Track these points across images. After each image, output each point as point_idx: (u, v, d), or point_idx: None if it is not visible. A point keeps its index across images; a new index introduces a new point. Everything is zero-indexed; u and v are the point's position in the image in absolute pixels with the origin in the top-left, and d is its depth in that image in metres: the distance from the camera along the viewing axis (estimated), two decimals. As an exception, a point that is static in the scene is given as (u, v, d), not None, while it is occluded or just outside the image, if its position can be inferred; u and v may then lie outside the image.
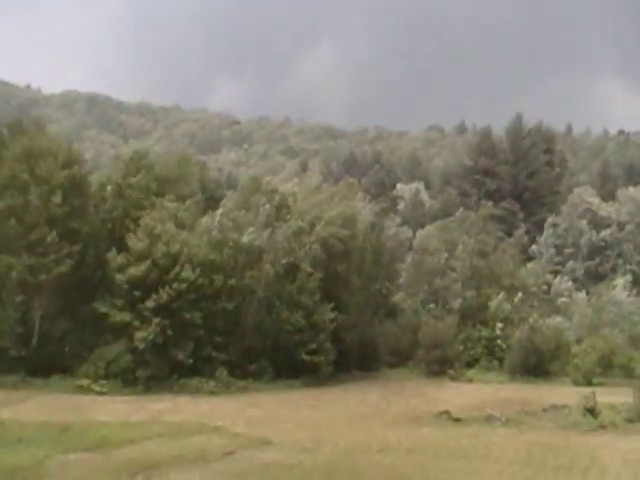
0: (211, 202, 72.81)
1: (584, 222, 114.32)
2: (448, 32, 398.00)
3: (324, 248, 68.82)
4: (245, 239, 65.76)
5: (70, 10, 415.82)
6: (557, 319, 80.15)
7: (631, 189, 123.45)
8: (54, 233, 60.39)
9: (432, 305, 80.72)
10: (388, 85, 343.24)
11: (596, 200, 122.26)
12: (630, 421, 49.96)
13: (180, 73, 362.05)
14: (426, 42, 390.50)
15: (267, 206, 68.23)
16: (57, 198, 61.31)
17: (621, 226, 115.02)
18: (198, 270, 62.22)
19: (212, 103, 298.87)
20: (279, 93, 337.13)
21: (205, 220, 67.07)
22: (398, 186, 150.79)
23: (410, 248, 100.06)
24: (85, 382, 57.83)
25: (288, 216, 69.13)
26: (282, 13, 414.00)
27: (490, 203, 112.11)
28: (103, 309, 60.85)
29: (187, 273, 61.56)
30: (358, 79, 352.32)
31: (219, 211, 67.96)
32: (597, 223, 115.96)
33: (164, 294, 60.29)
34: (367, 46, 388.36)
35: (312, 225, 69.73)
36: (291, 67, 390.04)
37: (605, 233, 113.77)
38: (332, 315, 66.94)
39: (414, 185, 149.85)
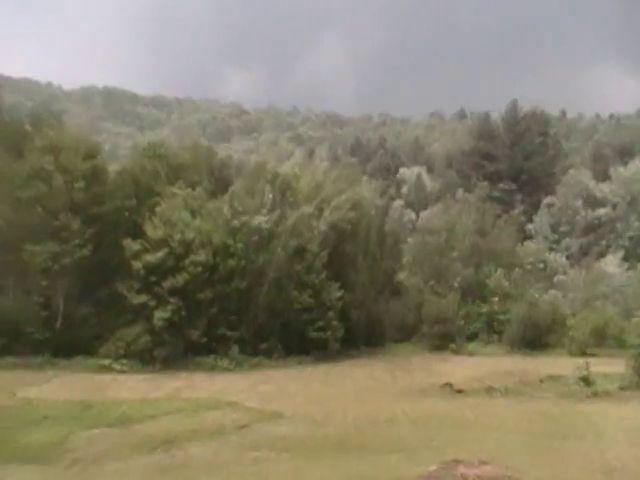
0: (221, 187, 72.61)
1: (579, 202, 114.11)
2: (449, 23, 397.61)
3: (332, 231, 68.83)
4: (255, 222, 65.68)
5: (87, 7, 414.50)
6: (553, 294, 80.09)
7: (623, 169, 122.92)
8: (78, 219, 60.99)
9: (433, 282, 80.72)
10: (392, 73, 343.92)
11: (591, 181, 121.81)
12: (623, 389, 50.09)
13: (193, 65, 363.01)
14: (428, 32, 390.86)
15: (270, 195, 68.00)
16: (80, 184, 61.65)
17: (614, 205, 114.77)
18: (211, 254, 62.46)
19: (225, 94, 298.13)
20: (288, 83, 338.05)
21: (216, 205, 66.87)
22: (401, 170, 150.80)
23: (413, 229, 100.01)
24: (106, 362, 58.05)
25: (291, 198, 68.84)
26: (291, 5, 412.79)
27: (486, 184, 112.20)
28: (123, 291, 61.03)
29: (201, 257, 61.74)
30: (363, 68, 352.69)
31: (226, 196, 67.89)
32: (591, 202, 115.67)
33: (180, 278, 60.56)
34: (372, 36, 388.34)
35: (320, 209, 69.69)
36: (299, 57, 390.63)
37: (599, 212, 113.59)
38: (339, 293, 66.99)
39: (416, 169, 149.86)
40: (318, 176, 76.04)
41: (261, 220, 65.72)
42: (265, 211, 66.91)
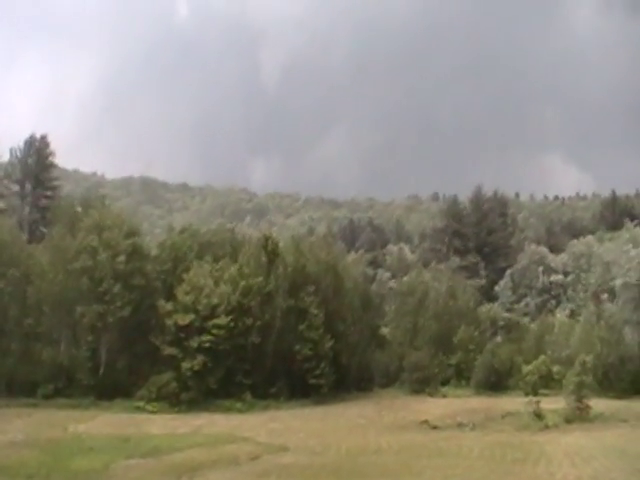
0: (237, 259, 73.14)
1: (540, 268, 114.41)
2: (425, 123, 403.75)
3: (318, 290, 69.15)
4: (257, 284, 66.02)
5: (125, 114, 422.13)
6: (511, 346, 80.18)
7: (575, 242, 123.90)
8: (118, 285, 61.57)
9: (411, 336, 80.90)
10: (383, 163, 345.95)
11: (546, 252, 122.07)
12: (568, 422, 50.69)
13: (220, 157, 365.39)
14: (409, 130, 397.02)
15: (264, 258, 68.34)
16: (121, 259, 62.39)
17: (565, 272, 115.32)
18: (231, 317, 62.81)
19: (246, 180, 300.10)
20: (301, 170, 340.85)
21: (232, 271, 67.16)
22: (388, 246, 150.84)
23: (395, 293, 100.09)
24: (141, 403, 58.47)
25: (277, 260, 68.97)
26: (307, 106, 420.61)
27: (457, 258, 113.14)
28: (157, 343, 61.65)
29: (223, 320, 62.23)
30: (362, 158, 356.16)
31: (237, 264, 68.27)
32: (547, 270, 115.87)
33: (205, 339, 61.09)
34: (369, 132, 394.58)
35: (306, 269, 70.23)
36: (311, 149, 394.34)
37: (553, 278, 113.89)
38: (330, 343, 67.11)
39: (399, 245, 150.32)
40: (297, 245, 75.91)
41: (261, 281, 66.08)
42: (263, 273, 67.28)
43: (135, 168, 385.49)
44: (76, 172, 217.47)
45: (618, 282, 73.93)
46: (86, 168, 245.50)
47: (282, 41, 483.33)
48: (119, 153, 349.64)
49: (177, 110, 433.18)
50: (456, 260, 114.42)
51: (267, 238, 72.20)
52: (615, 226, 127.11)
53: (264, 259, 68.02)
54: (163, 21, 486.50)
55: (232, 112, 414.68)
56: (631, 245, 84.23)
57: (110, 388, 59.26)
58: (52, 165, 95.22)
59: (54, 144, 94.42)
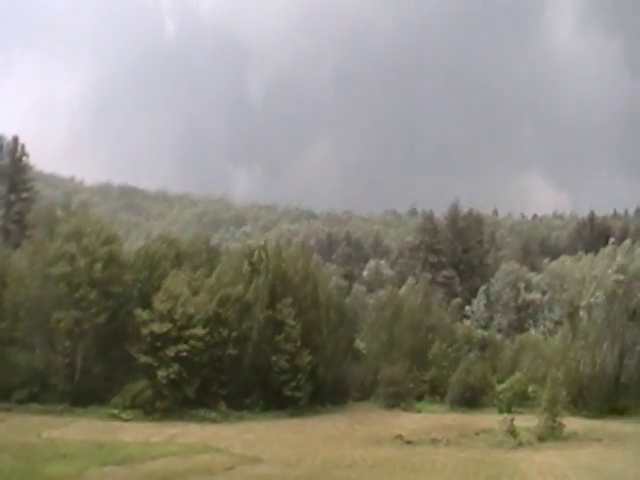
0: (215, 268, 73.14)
1: (522, 284, 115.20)
2: (409, 138, 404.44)
3: (295, 302, 69.34)
4: (236, 292, 65.93)
5: (106, 123, 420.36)
6: (486, 362, 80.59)
7: (554, 262, 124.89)
8: (95, 292, 61.23)
9: (386, 350, 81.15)
10: (366, 178, 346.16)
11: (524, 271, 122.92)
12: (541, 440, 51.04)
13: (200, 166, 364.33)
14: (391, 144, 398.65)
15: (247, 266, 68.32)
16: (98, 266, 62.08)
17: (542, 291, 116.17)
18: (208, 327, 62.65)
19: (227, 189, 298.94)
20: (283, 181, 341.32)
21: (210, 281, 67.16)
22: (367, 262, 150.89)
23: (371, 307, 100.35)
24: (115, 411, 58.06)
25: (260, 267, 69.08)
26: (291, 119, 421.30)
27: (430, 274, 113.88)
28: (132, 351, 61.15)
29: (200, 330, 62.03)
30: (345, 171, 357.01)
31: (215, 273, 68.20)
32: (523, 288, 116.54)
33: (182, 348, 60.77)
34: (353, 146, 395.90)
35: (285, 280, 70.38)
36: (294, 160, 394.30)
37: (529, 296, 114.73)
38: (309, 358, 67.19)
39: (376, 260, 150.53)
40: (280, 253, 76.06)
41: (240, 290, 65.99)
42: (243, 281, 67.19)
43: (115, 175, 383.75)
44: (53, 176, 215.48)
45: (583, 303, 74.62)
46: (64, 173, 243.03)
47: (268, 56, 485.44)
48: (101, 160, 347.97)
49: (162, 121, 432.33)
50: (428, 276, 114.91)
51: (253, 248, 72.30)
52: (592, 246, 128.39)
53: (246, 268, 67.92)
54: (151, 35, 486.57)
55: (217, 124, 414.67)
56: (606, 264, 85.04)
57: (85, 394, 58.93)
58: (27, 167, 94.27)
59: (39, 150, 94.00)
